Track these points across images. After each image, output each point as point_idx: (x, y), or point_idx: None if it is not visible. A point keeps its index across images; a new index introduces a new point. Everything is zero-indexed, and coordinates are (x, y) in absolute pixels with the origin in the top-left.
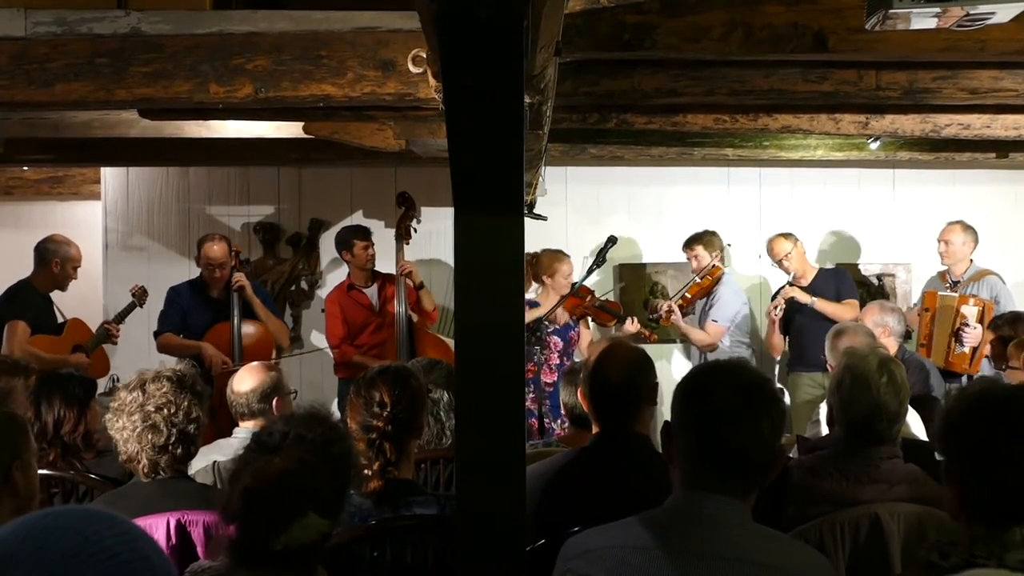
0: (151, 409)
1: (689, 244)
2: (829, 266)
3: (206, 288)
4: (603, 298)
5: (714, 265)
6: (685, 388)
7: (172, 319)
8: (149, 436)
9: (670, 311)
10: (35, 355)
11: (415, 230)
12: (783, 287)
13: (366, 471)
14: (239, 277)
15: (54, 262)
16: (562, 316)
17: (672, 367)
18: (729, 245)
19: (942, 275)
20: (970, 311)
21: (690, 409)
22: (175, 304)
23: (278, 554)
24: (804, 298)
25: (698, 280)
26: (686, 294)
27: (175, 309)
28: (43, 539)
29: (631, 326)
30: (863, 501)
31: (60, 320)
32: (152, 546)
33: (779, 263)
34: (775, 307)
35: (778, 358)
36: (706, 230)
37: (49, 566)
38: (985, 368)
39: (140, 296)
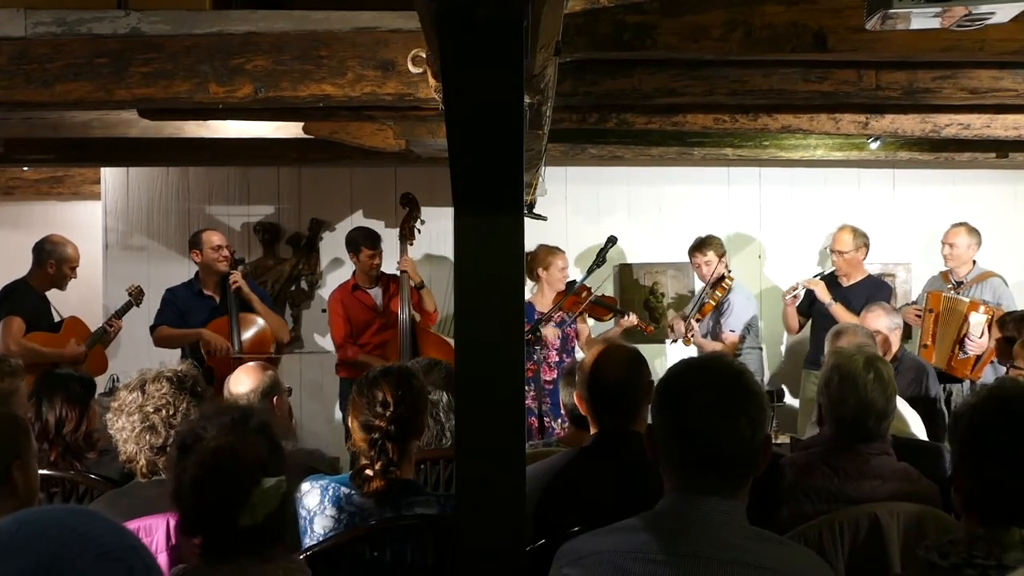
0: (150, 410)
1: (700, 249)
2: (877, 273)
3: (202, 288)
4: (599, 293)
5: (724, 276)
6: (662, 390)
7: (168, 316)
8: (147, 437)
9: (690, 330)
10: (32, 349)
11: (419, 231)
12: (810, 277)
13: (367, 471)
14: (235, 276)
15: (49, 263)
16: (552, 334)
17: (669, 366)
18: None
19: (944, 275)
20: (978, 319)
21: (668, 411)
22: (171, 304)
23: (248, 536)
24: (824, 296)
25: (710, 292)
26: (703, 309)
27: (171, 308)
28: (35, 531)
29: (628, 319)
30: (855, 497)
31: (57, 319)
32: (140, 542)
33: (831, 252)
34: (792, 292)
35: (793, 335)
36: (710, 235)
37: (39, 556)
38: (988, 375)
39: (137, 295)
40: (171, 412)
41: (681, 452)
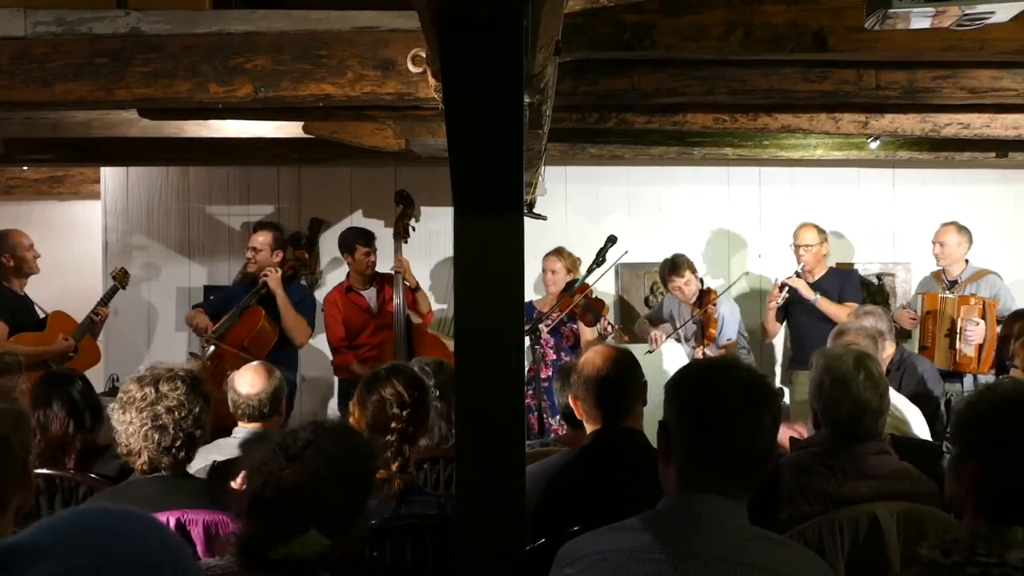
0: (162, 409)
1: (674, 272)
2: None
3: (242, 278)
4: (594, 296)
5: (705, 290)
6: (684, 389)
7: (214, 302)
8: (155, 436)
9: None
10: (15, 352)
11: (413, 229)
12: (789, 276)
13: (382, 472)
14: (269, 272)
15: (4, 257)
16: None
17: (664, 366)
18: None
19: (937, 275)
20: (970, 309)
21: (693, 411)
22: (223, 292)
23: (277, 562)
24: (808, 294)
25: (701, 313)
26: (707, 334)
27: (220, 295)
28: (78, 531)
29: (600, 325)
30: (854, 498)
31: (41, 316)
32: (178, 539)
33: (796, 249)
34: (780, 295)
35: (771, 342)
36: (678, 254)
37: (85, 552)
38: None
39: (122, 278)
40: (183, 414)
41: (703, 449)
